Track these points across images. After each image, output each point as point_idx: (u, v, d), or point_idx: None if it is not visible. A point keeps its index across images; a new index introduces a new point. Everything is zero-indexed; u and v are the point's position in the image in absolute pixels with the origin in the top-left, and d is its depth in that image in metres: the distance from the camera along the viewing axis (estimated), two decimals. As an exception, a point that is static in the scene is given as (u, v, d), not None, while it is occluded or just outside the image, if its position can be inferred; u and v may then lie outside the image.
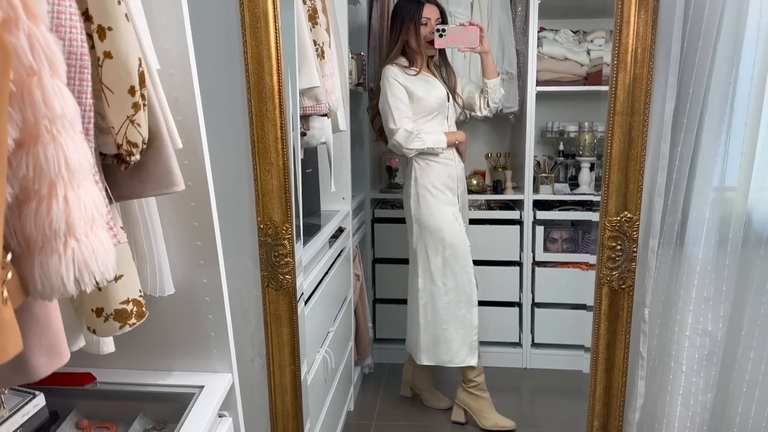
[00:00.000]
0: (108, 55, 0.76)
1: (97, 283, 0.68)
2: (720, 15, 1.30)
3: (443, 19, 2.36)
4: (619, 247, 1.38)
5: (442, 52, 2.43)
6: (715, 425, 1.49)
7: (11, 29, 0.59)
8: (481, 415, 2.49)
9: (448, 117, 2.39)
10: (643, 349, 1.52)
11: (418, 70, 2.35)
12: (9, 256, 0.61)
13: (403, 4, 2.36)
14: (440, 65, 2.45)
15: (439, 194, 2.35)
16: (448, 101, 2.38)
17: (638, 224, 1.37)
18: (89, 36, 0.76)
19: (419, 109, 2.32)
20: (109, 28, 0.76)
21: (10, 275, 0.61)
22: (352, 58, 2.59)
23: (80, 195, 0.65)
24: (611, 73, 1.33)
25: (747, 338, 1.42)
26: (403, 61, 2.38)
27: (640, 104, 1.32)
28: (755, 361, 1.42)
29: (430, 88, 2.33)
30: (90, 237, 0.65)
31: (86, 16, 0.75)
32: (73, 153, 0.63)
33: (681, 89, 1.37)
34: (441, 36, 2.24)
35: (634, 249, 1.39)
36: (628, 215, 1.37)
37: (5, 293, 0.59)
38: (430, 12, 2.32)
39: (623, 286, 1.41)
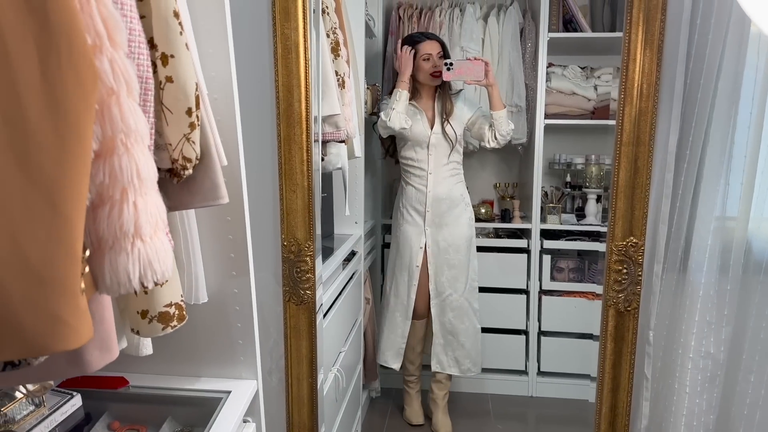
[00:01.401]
0: (169, 79, 0.85)
1: (156, 281, 0.75)
2: (721, 55, 1.39)
3: (444, 53, 2.53)
4: (624, 270, 1.45)
5: (443, 86, 2.55)
6: (718, 447, 1.54)
7: (96, 55, 0.68)
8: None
9: (429, 146, 2.55)
10: (647, 370, 1.57)
11: (415, 104, 2.54)
12: (87, 253, 0.68)
13: (406, 40, 2.56)
14: (441, 98, 2.58)
15: (406, 214, 2.62)
16: (432, 133, 2.54)
17: (643, 249, 1.44)
18: (153, 62, 0.85)
19: (401, 136, 2.58)
20: (172, 56, 0.85)
21: (87, 269, 0.68)
22: (367, 88, 2.70)
23: (147, 202, 0.73)
24: (618, 106, 1.41)
25: (748, 362, 1.48)
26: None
27: (645, 136, 1.41)
28: (755, 384, 1.48)
29: (414, 120, 2.54)
30: (154, 239, 0.73)
31: (151, 45, 0.84)
32: (143, 164, 0.71)
33: (684, 123, 1.45)
34: (449, 69, 2.38)
35: (639, 273, 1.46)
36: (634, 240, 1.44)
37: (82, 284, 0.66)
38: (431, 48, 2.51)
39: (629, 309, 1.47)
